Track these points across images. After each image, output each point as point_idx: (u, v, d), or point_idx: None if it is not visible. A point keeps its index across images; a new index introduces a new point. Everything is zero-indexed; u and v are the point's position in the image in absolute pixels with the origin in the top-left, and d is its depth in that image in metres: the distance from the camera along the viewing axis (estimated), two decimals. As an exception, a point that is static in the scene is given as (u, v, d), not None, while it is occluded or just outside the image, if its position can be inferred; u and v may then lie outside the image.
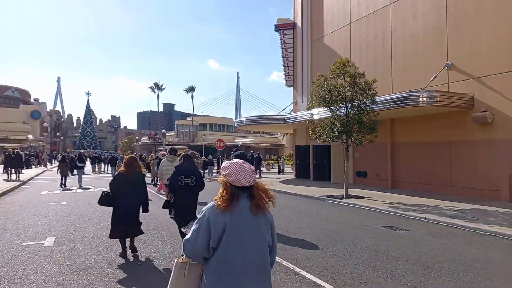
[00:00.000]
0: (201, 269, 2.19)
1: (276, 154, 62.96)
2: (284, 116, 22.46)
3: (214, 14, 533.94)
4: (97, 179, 23.90)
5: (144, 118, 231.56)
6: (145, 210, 6.55)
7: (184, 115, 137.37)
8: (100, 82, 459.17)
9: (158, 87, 73.10)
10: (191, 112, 78.36)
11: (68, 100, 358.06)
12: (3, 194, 15.00)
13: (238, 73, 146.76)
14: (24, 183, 20.21)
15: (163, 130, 57.10)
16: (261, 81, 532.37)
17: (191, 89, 74.44)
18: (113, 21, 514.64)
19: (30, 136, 60.61)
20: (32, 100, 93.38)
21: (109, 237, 6.50)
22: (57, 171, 20.03)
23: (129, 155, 7.38)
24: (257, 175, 25.47)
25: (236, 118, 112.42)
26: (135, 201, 6.36)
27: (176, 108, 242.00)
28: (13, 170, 21.96)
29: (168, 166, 10.50)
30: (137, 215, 6.46)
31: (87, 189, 17.80)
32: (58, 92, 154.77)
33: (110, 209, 6.52)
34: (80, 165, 20.40)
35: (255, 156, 27.28)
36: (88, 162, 30.45)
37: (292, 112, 25.47)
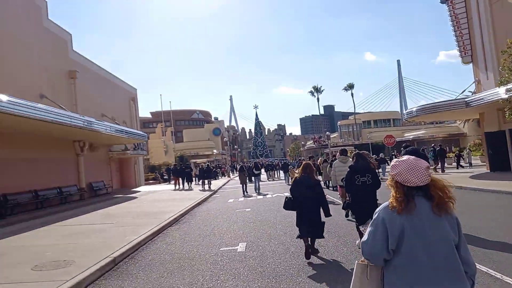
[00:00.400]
0: (381, 271, 2.11)
1: (457, 145, 55.15)
2: (466, 99, 19.26)
3: (361, 4, 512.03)
4: (273, 185, 25.45)
5: (307, 122, 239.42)
6: (327, 214, 6.65)
7: (345, 115, 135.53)
8: (264, 95, 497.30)
9: (317, 90, 74.34)
10: (352, 111, 76.61)
11: (239, 115, 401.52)
12: (199, 203, 17.38)
13: (398, 61, 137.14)
14: (215, 192, 23.15)
15: (327, 132, 57.28)
16: (426, 66, 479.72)
17: (350, 87, 72.90)
18: (265, 32, 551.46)
19: (215, 151, 70.15)
20: (212, 119, 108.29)
21: (296, 238, 6.89)
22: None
23: (305, 161, 7.68)
24: (440, 171, 22.58)
25: (401, 110, 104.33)
26: (312, 204, 6.52)
27: (336, 109, 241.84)
28: (206, 181, 25.43)
29: (341, 167, 10.71)
30: (317, 218, 6.54)
31: (265, 195, 19.06)
32: (232, 109, 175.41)
33: (290, 214, 7.12)
34: (256, 172, 22.20)
35: (437, 149, 24.21)
36: (263, 170, 33.03)
37: (474, 93, 21.70)
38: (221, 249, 7.72)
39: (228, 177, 43.72)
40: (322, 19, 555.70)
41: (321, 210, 6.60)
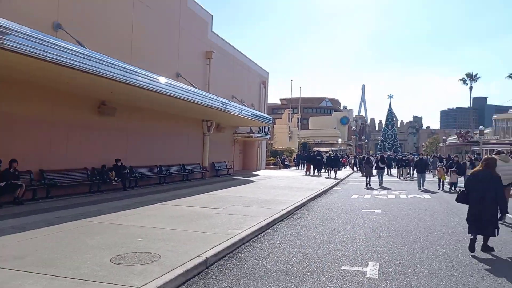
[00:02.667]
0: None
1: None
2: None
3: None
4: (406, 184, 21.80)
5: (449, 116, 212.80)
6: (503, 211, 6.87)
7: (500, 109, 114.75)
8: (401, 83, 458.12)
9: (471, 77, 63.22)
10: (510, 105, 63.33)
11: (370, 105, 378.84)
12: (319, 195, 15.39)
13: None
14: (337, 184, 20.97)
15: (481, 127, 48.15)
16: None
17: (516, 74, 59.65)
18: (405, 19, 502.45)
19: (340, 140, 66.80)
20: (341, 108, 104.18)
21: (468, 233, 6.66)
22: (362, 172, 22.36)
23: (487, 156, 7.44)
24: None
25: None
26: (488, 200, 6.43)
27: (488, 102, 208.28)
28: (332, 169, 25.89)
29: (504, 166, 9.23)
30: (490, 215, 6.43)
31: (397, 194, 15.95)
32: (362, 99, 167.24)
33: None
34: (381, 165, 21.34)
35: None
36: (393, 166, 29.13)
37: None
38: (343, 267, 5.62)
39: (351, 169, 40.50)
40: (473, 3, 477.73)
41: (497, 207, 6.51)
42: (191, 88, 16.36)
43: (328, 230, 8.45)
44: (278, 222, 9.26)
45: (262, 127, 29.95)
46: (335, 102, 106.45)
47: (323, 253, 6.42)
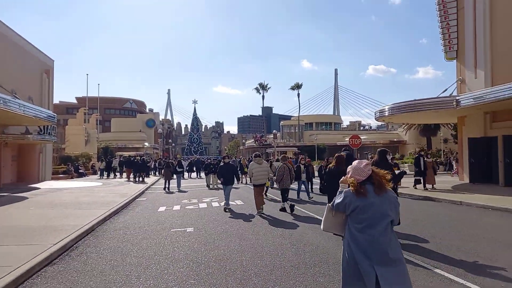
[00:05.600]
0: (344, 216, 3.25)
1: (396, 152, 54.92)
2: (458, 97, 16.18)
3: (304, 14, 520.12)
4: (219, 191, 20.62)
5: (244, 122, 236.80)
6: None
7: (282, 117, 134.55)
8: (203, 92, 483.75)
9: (263, 87, 70.50)
10: (290, 114, 74.50)
11: (176, 111, 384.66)
12: (117, 211, 12.11)
13: (336, 70, 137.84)
14: (146, 189, 18.11)
15: (274, 131, 53.58)
16: (356, 78, 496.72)
17: (298, 86, 69.97)
18: (204, 33, 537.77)
19: (146, 144, 63.09)
20: (147, 110, 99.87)
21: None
22: (162, 175, 22.61)
23: (338, 154, 8.03)
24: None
25: (336, 114, 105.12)
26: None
27: (274, 111, 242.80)
28: (137, 174, 25.88)
29: (258, 168, 11.33)
30: None
31: (210, 203, 14.26)
32: (168, 103, 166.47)
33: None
34: (179, 170, 21.35)
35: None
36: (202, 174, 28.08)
37: (455, 93, 19.00)
38: None
39: (160, 174, 37.84)
40: (258, 24, 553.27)
41: None
42: None
43: (120, 275, 5.51)
44: (37, 272, 5.70)
45: (45, 127, 23.79)
46: (140, 104, 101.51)
47: None
